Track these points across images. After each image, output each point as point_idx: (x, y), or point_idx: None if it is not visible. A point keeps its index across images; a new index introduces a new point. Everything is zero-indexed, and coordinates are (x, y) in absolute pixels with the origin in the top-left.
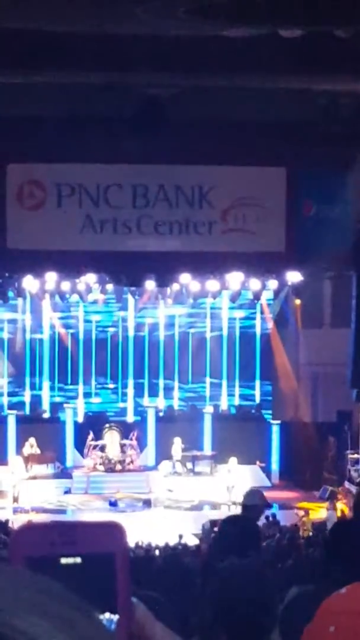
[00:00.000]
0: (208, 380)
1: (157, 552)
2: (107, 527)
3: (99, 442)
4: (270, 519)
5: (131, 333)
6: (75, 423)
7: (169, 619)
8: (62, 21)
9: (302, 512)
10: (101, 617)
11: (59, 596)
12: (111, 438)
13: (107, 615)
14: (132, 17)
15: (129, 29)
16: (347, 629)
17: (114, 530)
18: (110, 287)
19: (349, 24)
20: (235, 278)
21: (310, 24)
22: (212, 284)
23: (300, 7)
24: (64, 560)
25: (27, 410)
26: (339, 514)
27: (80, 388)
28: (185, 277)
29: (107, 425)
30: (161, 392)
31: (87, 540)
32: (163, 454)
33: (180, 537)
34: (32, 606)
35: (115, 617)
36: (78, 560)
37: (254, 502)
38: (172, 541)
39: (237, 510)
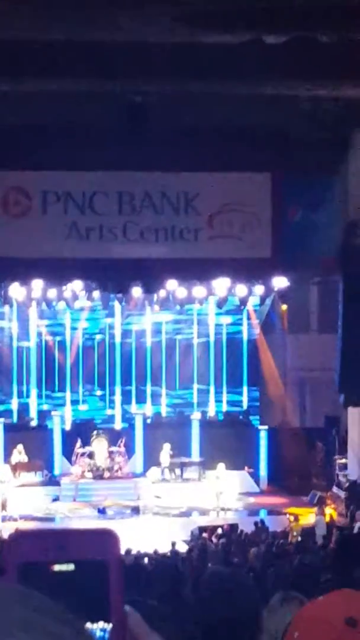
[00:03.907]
0: (195, 386)
1: (146, 559)
2: (100, 534)
3: (87, 450)
4: (259, 524)
5: (118, 340)
6: (63, 430)
7: (164, 627)
8: (48, 29)
9: (291, 518)
10: (94, 626)
11: (51, 613)
12: (99, 445)
13: (100, 624)
14: (117, 24)
15: (114, 37)
16: (308, 636)
17: (107, 538)
18: (96, 294)
19: (331, 29)
20: (221, 284)
21: (294, 30)
22: (199, 290)
23: (284, 14)
24: (57, 567)
25: (15, 418)
26: (327, 519)
27: (68, 395)
28: (171, 284)
29: (94, 432)
30: (149, 399)
31: (81, 547)
32: (151, 460)
33: (174, 544)
34: (24, 624)
35: (109, 627)
36: (71, 567)
37: None
38: (162, 548)
39: (226, 516)
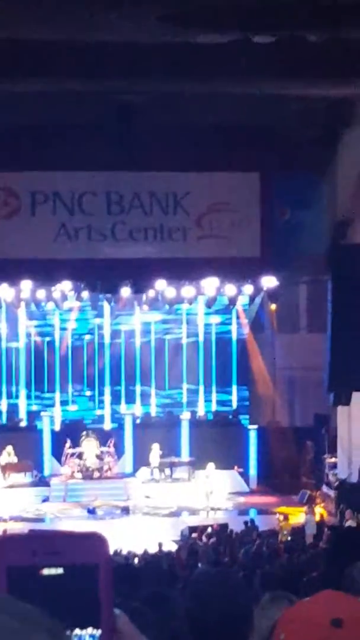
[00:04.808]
0: (185, 386)
1: (136, 559)
2: (89, 537)
3: (77, 450)
4: (249, 524)
5: (107, 340)
6: (53, 431)
7: (153, 630)
8: (37, 30)
9: (281, 517)
10: (83, 632)
11: (34, 621)
12: (89, 445)
13: (89, 630)
14: (106, 24)
15: (103, 37)
16: (294, 637)
17: (96, 541)
18: (85, 294)
19: (320, 29)
20: (210, 284)
21: (282, 29)
22: (188, 290)
23: (272, 13)
24: (46, 571)
25: (4, 419)
26: (317, 518)
27: (57, 396)
28: (160, 284)
29: (84, 432)
30: (138, 399)
31: (70, 550)
32: (141, 460)
33: (160, 545)
34: (5, 632)
35: (98, 632)
36: (60, 571)
37: None
38: (152, 548)
39: (215, 515)
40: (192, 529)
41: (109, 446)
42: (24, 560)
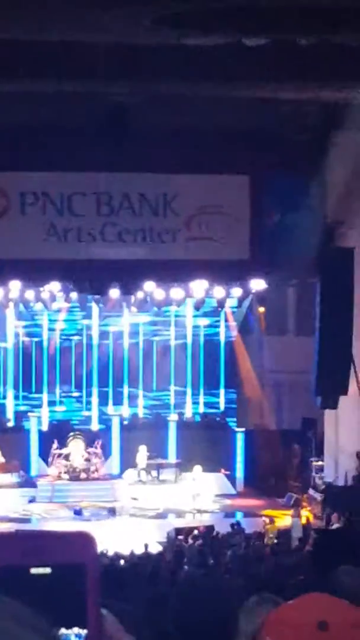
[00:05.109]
0: (172, 388)
1: (122, 561)
2: (77, 537)
3: (64, 451)
4: (235, 526)
5: (95, 341)
6: (40, 432)
7: (140, 630)
8: (29, 30)
9: (267, 520)
10: (69, 631)
11: (27, 622)
12: (76, 446)
13: (75, 630)
14: (99, 25)
15: (95, 38)
16: None
17: (84, 540)
18: (74, 295)
19: (311, 32)
20: (199, 286)
21: (274, 32)
22: (177, 292)
23: (264, 17)
24: (34, 571)
25: None
26: (303, 521)
27: (45, 397)
28: (149, 285)
29: (71, 433)
30: (125, 401)
31: (58, 550)
32: (128, 462)
33: (146, 546)
34: (1, 634)
35: (84, 632)
36: (48, 570)
37: None
38: (138, 549)
39: (202, 518)
40: (178, 531)
41: (96, 447)
42: (12, 561)
